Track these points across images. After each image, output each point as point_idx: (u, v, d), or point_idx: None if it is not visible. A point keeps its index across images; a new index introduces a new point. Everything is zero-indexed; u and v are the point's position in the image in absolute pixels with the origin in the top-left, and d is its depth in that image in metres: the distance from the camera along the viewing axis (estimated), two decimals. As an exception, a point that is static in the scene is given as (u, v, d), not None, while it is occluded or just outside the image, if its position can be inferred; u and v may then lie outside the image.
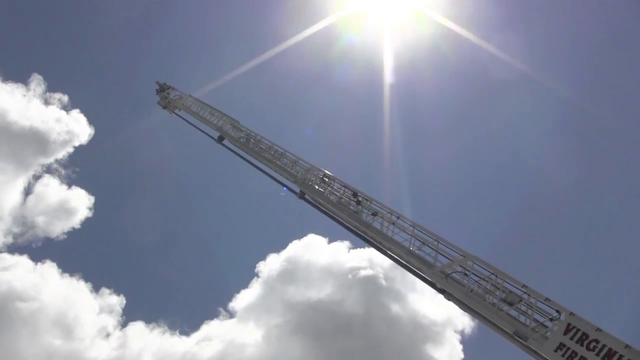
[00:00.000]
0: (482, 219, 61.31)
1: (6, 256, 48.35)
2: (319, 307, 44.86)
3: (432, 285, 15.31)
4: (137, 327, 50.22)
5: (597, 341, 11.61)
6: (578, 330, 11.88)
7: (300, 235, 65.67)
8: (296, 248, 51.43)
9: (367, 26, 55.15)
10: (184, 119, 26.80)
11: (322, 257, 49.75)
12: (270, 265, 50.99)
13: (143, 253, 64.00)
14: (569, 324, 12.06)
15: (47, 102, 53.20)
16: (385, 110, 49.18)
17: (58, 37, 65.58)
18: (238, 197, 65.86)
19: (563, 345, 11.91)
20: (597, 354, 11.46)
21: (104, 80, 67.86)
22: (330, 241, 51.06)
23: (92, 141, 53.04)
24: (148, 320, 50.40)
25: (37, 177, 52.98)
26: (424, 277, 15.45)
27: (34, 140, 50.51)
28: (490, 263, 14.07)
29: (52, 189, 53.71)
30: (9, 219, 49.69)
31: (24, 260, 48.80)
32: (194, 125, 25.83)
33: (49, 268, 49.68)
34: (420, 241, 15.68)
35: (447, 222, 55.24)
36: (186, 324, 64.35)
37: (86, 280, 50.64)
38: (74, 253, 58.99)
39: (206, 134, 24.69)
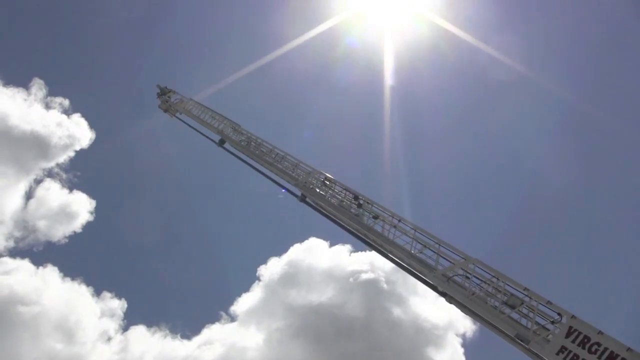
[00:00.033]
0: (482, 221, 61.44)
1: (7, 260, 48.48)
2: (320, 311, 44.89)
3: (433, 288, 15.30)
4: (139, 331, 50.32)
5: (598, 344, 11.61)
6: (580, 333, 11.88)
7: (301, 238, 65.80)
8: (297, 251, 51.56)
9: (368, 28, 55.35)
10: (185, 122, 26.83)
11: (324, 261, 49.85)
12: (272, 268, 51.12)
13: (144, 257, 64.11)
14: (570, 327, 12.06)
15: (48, 106, 53.36)
16: (386, 112, 49.35)
17: (59, 42, 65.73)
18: (239, 200, 65.98)
19: (565, 349, 11.91)
20: (599, 357, 11.46)
21: (105, 84, 67.99)
22: (331, 245, 51.19)
23: (93, 145, 53.16)
24: (149, 324, 50.63)
25: (38, 181, 53.13)
26: (426, 280, 15.45)
27: (35, 145, 50.62)
28: (491, 265, 14.10)
29: (53, 193, 53.86)
30: (10, 223, 49.79)
31: (25, 264, 48.91)
32: (195, 129, 25.88)
33: (51, 272, 49.80)
34: (421, 244, 15.69)
35: (447, 224, 55.37)
36: (187, 327, 64.50)
37: (87, 284, 50.81)
38: (75, 257, 59.08)
39: (207, 137, 24.76)
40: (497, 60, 47.75)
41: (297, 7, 59.47)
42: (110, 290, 51.29)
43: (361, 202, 17.79)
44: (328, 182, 19.20)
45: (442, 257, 15.04)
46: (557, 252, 55.39)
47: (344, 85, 61.35)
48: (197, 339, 49.75)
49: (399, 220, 16.51)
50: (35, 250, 51.20)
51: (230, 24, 67.20)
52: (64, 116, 52.91)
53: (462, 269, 14.46)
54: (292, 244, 54.00)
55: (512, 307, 13.24)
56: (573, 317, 12.15)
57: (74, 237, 52.74)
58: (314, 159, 20.12)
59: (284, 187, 20.55)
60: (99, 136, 53.92)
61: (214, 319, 62.66)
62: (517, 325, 13.03)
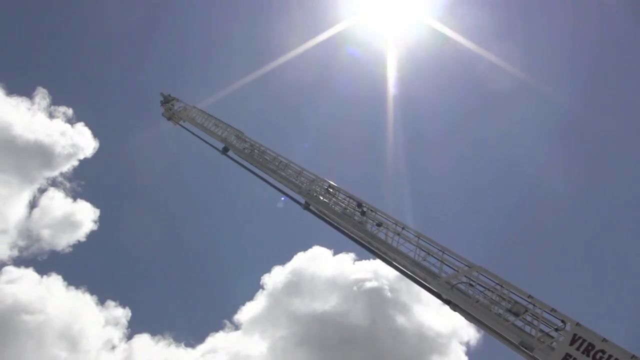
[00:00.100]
0: (484, 227, 61.34)
1: (12, 269, 48.61)
2: (324, 319, 44.81)
3: (437, 296, 15.33)
4: (143, 340, 50.35)
5: (603, 352, 11.61)
6: (584, 340, 11.89)
7: (305, 247, 65.85)
8: (301, 260, 51.56)
9: (370, 36, 55.56)
10: (188, 130, 26.89)
11: (327, 269, 49.82)
12: (275, 277, 51.13)
13: (148, 265, 64.12)
14: (575, 335, 12.06)
15: (51, 116, 53.60)
16: (389, 118, 49.45)
17: (62, 51, 66.01)
18: (243, 209, 66.09)
19: (569, 356, 11.91)
20: (604, 365, 11.48)
21: (108, 93, 68.25)
22: (335, 253, 51.15)
23: (97, 154, 53.39)
24: (153, 333, 50.68)
25: (42, 191, 53.30)
26: (430, 288, 15.48)
27: (39, 154, 50.83)
28: (492, 270, 14.14)
29: (57, 202, 54.01)
30: (14, 232, 49.93)
31: (29, 273, 49.09)
32: (198, 137, 25.92)
33: (55, 281, 49.93)
34: (425, 251, 15.68)
35: (449, 231, 55.33)
36: (192, 336, 64.29)
37: (92, 292, 50.80)
38: (79, 266, 59.17)
39: (211, 145, 24.80)
40: (498, 67, 47.93)
41: (299, 15, 59.87)
42: (114, 299, 51.43)
43: (365, 209, 17.81)
44: (331, 190, 19.23)
45: (445, 264, 15.05)
46: (559, 258, 55.35)
47: (346, 93, 61.60)
48: (201, 348, 49.85)
49: (403, 228, 16.53)
50: (40, 259, 51.37)
51: (233, 32, 67.49)
52: (68, 125, 53.26)
53: (466, 277, 14.47)
54: (296, 253, 54.12)
55: (516, 314, 13.24)
56: (577, 324, 12.16)
57: (78, 246, 52.90)
58: (317, 166, 20.18)
59: (287, 195, 20.60)
60: (103, 145, 54.18)
61: (218, 327, 62.59)
62: (522, 332, 13.03)
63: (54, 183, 53.80)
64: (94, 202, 54.57)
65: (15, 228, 50.08)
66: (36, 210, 52.48)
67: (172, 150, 59.86)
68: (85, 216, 53.50)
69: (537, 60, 56.25)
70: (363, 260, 48.66)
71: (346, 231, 18.20)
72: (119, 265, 63.38)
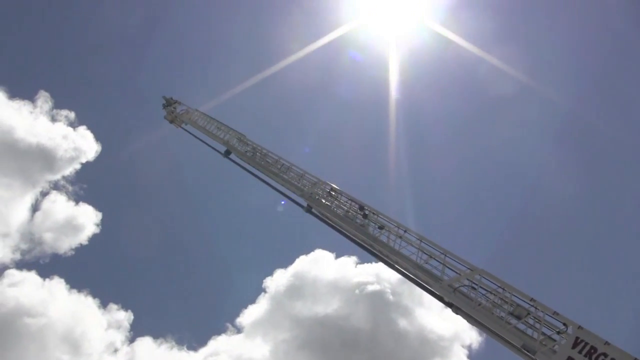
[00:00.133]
0: (486, 230, 61.23)
1: (14, 272, 48.49)
2: (326, 322, 44.77)
3: (439, 299, 15.35)
4: (145, 343, 50.20)
5: (605, 355, 11.63)
6: (586, 343, 11.91)
7: (307, 250, 65.81)
8: (303, 263, 51.45)
9: (372, 40, 55.64)
10: (190, 133, 26.94)
11: (329, 272, 49.72)
12: (278, 280, 51.04)
13: (150, 268, 64.15)
14: (577, 338, 12.08)
15: (54, 119, 53.61)
16: (391, 122, 49.51)
17: (64, 54, 66.20)
18: (245, 212, 66.10)
19: (571, 359, 11.93)
20: (606, 368, 11.49)
21: (110, 96, 68.42)
22: (337, 256, 51.09)
23: (99, 157, 53.39)
24: (156, 336, 50.39)
25: (44, 194, 53.24)
26: (432, 291, 15.50)
27: (41, 157, 50.87)
28: (495, 273, 14.16)
29: (59, 206, 53.96)
30: (16, 235, 49.91)
31: (32, 276, 49.00)
32: (200, 140, 25.97)
33: (57, 284, 49.86)
34: (427, 254, 15.72)
35: (451, 234, 55.32)
36: (194, 339, 64.25)
37: (94, 296, 50.73)
38: (81, 269, 59.17)
39: (213, 148, 24.84)
40: (501, 71, 47.95)
41: (300, 19, 59.99)
42: (116, 302, 51.35)
43: (367, 212, 17.85)
44: (333, 193, 19.26)
45: (447, 267, 15.07)
46: (561, 261, 55.27)
47: (348, 97, 61.64)
48: (203, 351, 49.77)
49: (405, 231, 16.56)
50: (42, 262, 51.37)
51: (235, 36, 67.55)
52: (70, 129, 53.23)
53: (468, 280, 14.49)
54: (298, 256, 53.96)
55: (518, 317, 13.27)
56: (580, 327, 12.18)
57: (80, 249, 52.90)
58: (318, 170, 20.15)
59: (289, 198, 20.62)
60: (105, 148, 54.20)
61: (220, 330, 62.60)
62: (524, 335, 13.06)
63: (56, 186, 53.85)
64: (96, 206, 54.53)
65: (18, 231, 50.12)
66: (38, 214, 52.54)
67: (174, 154, 59.97)
68: (87, 219, 53.51)
69: (539, 63, 56.39)
70: (365, 264, 48.67)
71: (348, 234, 18.23)
72: (121, 268, 63.51)
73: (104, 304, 50.70)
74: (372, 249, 17.49)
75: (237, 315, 57.25)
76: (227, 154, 23.98)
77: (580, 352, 11.89)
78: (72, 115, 54.40)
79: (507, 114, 57.18)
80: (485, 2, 59.50)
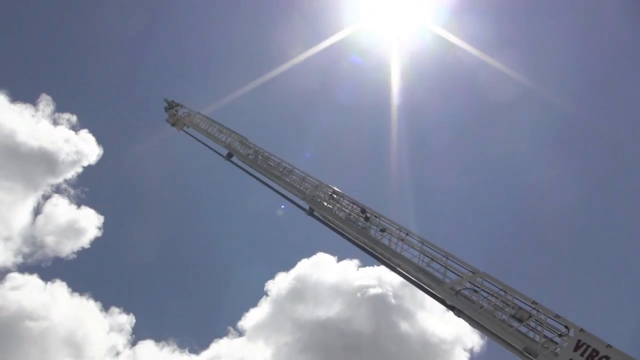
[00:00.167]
0: (488, 233, 61.24)
1: (16, 275, 48.42)
2: (328, 326, 44.72)
3: (441, 301, 15.36)
4: (147, 346, 50.21)
5: (607, 357, 11.68)
6: (588, 346, 11.93)
7: (309, 253, 65.84)
8: (305, 266, 51.38)
9: (373, 43, 55.70)
10: (192, 136, 26.96)
11: (331, 276, 49.66)
12: (280, 283, 50.99)
13: (152, 272, 64.11)
14: (579, 341, 12.11)
15: (55, 123, 53.58)
16: (392, 127, 49.51)
17: (66, 58, 66.31)
18: (247, 215, 66.01)
19: (573, 362, 11.95)
20: (608, 371, 11.50)
21: (112, 100, 68.32)
22: (339, 259, 51.06)
23: (101, 161, 53.28)
24: (158, 339, 50.46)
25: (46, 197, 53.19)
26: (434, 294, 15.51)
27: (43, 161, 50.78)
28: (496, 276, 14.21)
29: (61, 209, 53.88)
30: (18, 238, 49.85)
31: (34, 280, 48.90)
32: (202, 143, 26.01)
33: (59, 287, 49.79)
34: (429, 257, 15.74)
35: (453, 237, 55.24)
36: (196, 342, 64.01)
37: (96, 299, 50.71)
38: (83, 272, 59.02)
39: (215, 151, 24.87)
40: (503, 74, 47.90)
41: (301, 22, 60.06)
42: (118, 305, 51.36)
43: (368, 215, 17.89)
44: (335, 196, 19.31)
45: (449, 270, 15.12)
46: (563, 264, 55.24)
47: (349, 99, 61.63)
48: (205, 354, 49.71)
49: (407, 234, 16.60)
50: (44, 265, 51.32)
51: (236, 40, 67.55)
52: (72, 132, 53.16)
53: (470, 283, 14.53)
54: (299, 259, 54.01)
55: (520, 320, 13.30)
56: (581, 330, 12.20)
57: (82, 253, 52.84)
58: (319, 175, 20.10)
59: (291, 201, 20.65)
60: (107, 152, 54.14)
61: (222, 333, 62.37)
62: (525, 338, 13.09)
63: (58, 190, 53.86)
64: (98, 209, 54.56)
65: (20, 235, 50.10)
66: (40, 217, 52.47)
67: (176, 157, 59.98)
68: (89, 223, 53.47)
69: (542, 67, 56.20)
70: (367, 267, 48.65)
71: (350, 237, 18.26)
72: (123, 271, 63.50)
73: (105, 307, 50.78)
74: (373, 252, 17.53)
75: (239, 318, 57.36)
76: (229, 157, 24.02)
77: (582, 355, 11.92)
78: (74, 118, 54.49)
79: (509, 118, 57.13)
80: (488, 5, 59.35)
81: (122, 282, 63.26)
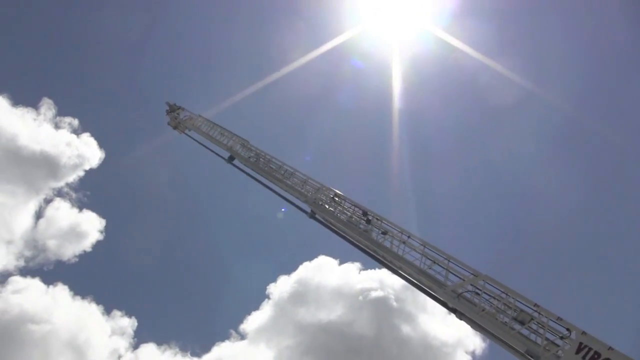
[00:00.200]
0: (490, 236, 61.25)
1: (18, 279, 48.60)
2: (329, 329, 44.71)
3: (443, 304, 15.34)
4: (149, 349, 50.41)
5: (609, 360, 11.63)
6: (590, 349, 11.90)
7: (310, 256, 65.97)
8: (307, 270, 51.53)
9: (374, 46, 55.78)
10: (194, 139, 27.08)
11: (333, 279, 49.77)
12: (281, 287, 51.16)
13: (154, 275, 64.23)
14: (580, 343, 12.08)
15: (57, 126, 53.77)
16: (394, 130, 49.59)
17: (68, 62, 66.46)
18: (248, 218, 66.16)
19: (575, 364, 11.94)
20: (610, 373, 11.48)
21: (113, 103, 68.61)
22: (340, 262, 51.18)
23: (103, 164, 53.50)
24: (160, 342, 50.63)
25: (48, 201, 53.37)
26: (436, 297, 15.50)
27: (45, 164, 50.93)
28: (498, 279, 14.17)
29: (63, 213, 54.05)
30: (20, 242, 49.99)
31: (35, 283, 49.17)
32: (204, 146, 26.10)
33: (61, 291, 49.99)
34: (430, 260, 15.73)
35: (455, 239, 55.31)
36: (198, 345, 64.04)
37: (98, 302, 50.89)
38: (85, 276, 59.20)
39: (216, 154, 24.95)
40: (504, 77, 47.98)
41: (302, 26, 60.21)
42: (120, 309, 51.57)
43: (370, 218, 17.89)
44: (337, 199, 19.31)
45: (451, 273, 15.10)
46: (564, 267, 55.24)
47: (350, 103, 61.83)
48: (207, 357, 49.97)
49: (408, 236, 16.58)
50: (46, 269, 51.47)
51: (237, 43, 67.77)
52: (74, 136, 53.38)
53: (472, 285, 14.51)
54: (301, 262, 54.15)
55: (522, 323, 13.27)
56: (583, 333, 12.18)
57: (84, 256, 53.01)
58: (319, 178, 20.12)
59: (293, 204, 20.66)
60: (109, 155, 54.39)
61: (224, 337, 62.67)
62: (527, 341, 13.06)
63: (59, 193, 54.01)
64: (100, 212, 54.73)
65: (22, 238, 50.22)
66: (42, 221, 52.62)
67: (178, 160, 60.23)
68: (91, 226, 53.69)
69: (543, 70, 56.37)
70: (369, 270, 48.74)
71: (352, 240, 18.25)
72: (124, 275, 63.61)
73: (107, 311, 50.90)
74: (375, 255, 17.53)
75: (241, 321, 57.38)
76: (230, 159, 24.09)
77: (584, 357, 11.89)
78: (75, 122, 54.66)
79: (511, 121, 57.25)
80: (489, 9, 59.46)
81: (124, 286, 63.44)
